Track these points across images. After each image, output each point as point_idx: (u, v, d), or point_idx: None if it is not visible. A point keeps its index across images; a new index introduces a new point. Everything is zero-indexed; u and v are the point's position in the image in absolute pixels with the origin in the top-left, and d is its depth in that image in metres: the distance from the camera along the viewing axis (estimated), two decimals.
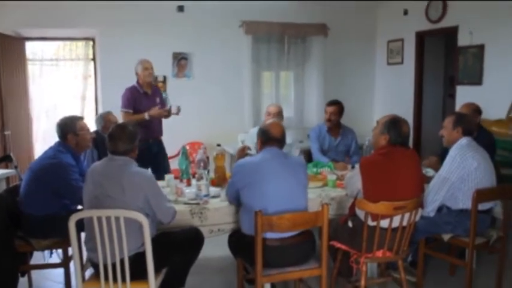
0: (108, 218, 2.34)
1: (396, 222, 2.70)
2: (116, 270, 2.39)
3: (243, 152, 3.51)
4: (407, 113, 6.27)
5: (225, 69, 6.24)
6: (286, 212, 2.52)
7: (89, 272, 2.66)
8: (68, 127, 3.16)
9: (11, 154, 4.15)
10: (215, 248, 3.36)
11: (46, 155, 3.13)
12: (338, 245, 2.92)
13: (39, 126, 5.98)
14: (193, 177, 3.45)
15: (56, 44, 6.11)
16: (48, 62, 6.01)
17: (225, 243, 3.00)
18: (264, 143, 2.83)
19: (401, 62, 6.68)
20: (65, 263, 3.13)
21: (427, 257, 3.38)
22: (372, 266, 3.34)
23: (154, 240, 2.47)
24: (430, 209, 3.06)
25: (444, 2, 5.82)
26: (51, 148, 3.18)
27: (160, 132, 4.65)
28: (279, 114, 4.13)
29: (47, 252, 3.22)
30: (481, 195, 2.92)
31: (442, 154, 3.77)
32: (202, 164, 3.21)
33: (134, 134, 2.67)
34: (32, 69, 5.85)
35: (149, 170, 3.39)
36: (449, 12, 5.79)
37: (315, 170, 3.87)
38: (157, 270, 2.51)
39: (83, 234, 2.62)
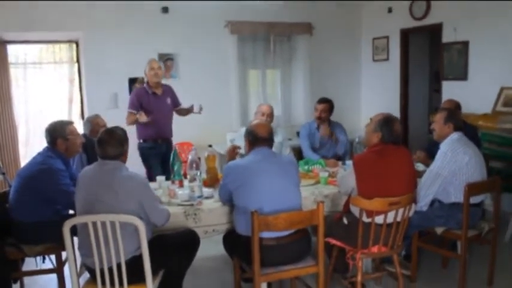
0: (103, 223, 2.31)
1: (390, 218, 2.73)
2: (112, 274, 2.36)
3: (234, 152, 3.48)
4: (394, 109, 6.36)
5: (211, 69, 6.21)
6: (281, 211, 2.52)
7: (83, 277, 2.62)
8: (58, 132, 3.10)
9: None
10: (211, 248, 3.36)
11: (35, 161, 3.07)
12: (333, 241, 2.93)
13: (25, 130, 5.86)
14: (184, 177, 3.43)
15: (39, 47, 5.99)
16: (31, 65, 5.89)
17: (220, 242, 2.99)
18: (253, 144, 2.83)
19: (387, 59, 6.74)
20: (58, 269, 3.08)
21: (420, 250, 3.43)
22: (366, 261, 3.37)
23: (150, 243, 2.44)
24: (422, 204, 3.10)
25: (428, 1, 5.89)
26: (39, 154, 3.11)
27: (170, 133, 4.66)
28: (272, 114, 4.13)
29: (39, 258, 3.16)
30: (472, 188, 2.96)
31: (429, 148, 3.83)
32: (194, 165, 3.19)
33: (123, 138, 2.63)
34: (14, 72, 5.72)
35: (144, 173, 3.36)
36: (433, 9, 5.87)
37: (306, 167, 3.88)
38: (154, 273, 2.49)
39: (75, 239, 2.58)
